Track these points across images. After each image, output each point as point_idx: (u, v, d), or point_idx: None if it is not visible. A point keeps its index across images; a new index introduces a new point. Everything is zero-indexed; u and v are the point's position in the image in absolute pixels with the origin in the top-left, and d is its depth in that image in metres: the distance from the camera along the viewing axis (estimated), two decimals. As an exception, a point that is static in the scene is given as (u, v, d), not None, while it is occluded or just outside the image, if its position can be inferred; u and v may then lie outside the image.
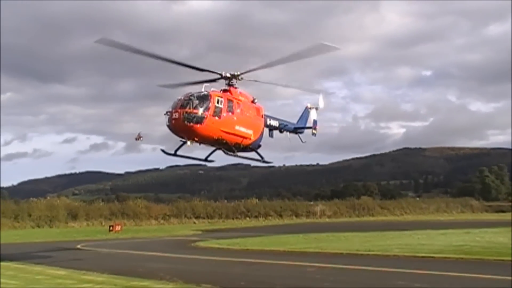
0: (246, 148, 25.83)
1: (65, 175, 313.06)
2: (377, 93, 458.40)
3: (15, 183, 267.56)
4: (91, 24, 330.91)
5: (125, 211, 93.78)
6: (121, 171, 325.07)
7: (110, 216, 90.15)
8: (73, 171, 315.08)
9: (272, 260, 28.95)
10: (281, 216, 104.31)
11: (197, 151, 25.99)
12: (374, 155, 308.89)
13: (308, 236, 48.78)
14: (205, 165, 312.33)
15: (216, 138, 23.44)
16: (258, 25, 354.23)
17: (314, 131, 31.99)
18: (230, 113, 23.70)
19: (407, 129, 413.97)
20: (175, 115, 22.19)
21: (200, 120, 22.22)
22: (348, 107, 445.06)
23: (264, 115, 27.31)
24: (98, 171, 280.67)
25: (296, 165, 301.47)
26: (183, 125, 22.19)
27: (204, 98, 22.69)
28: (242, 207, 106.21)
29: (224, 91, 24.69)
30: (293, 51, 23.37)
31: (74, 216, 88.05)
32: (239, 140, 24.64)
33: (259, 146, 26.59)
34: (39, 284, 20.49)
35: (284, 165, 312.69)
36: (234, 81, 25.14)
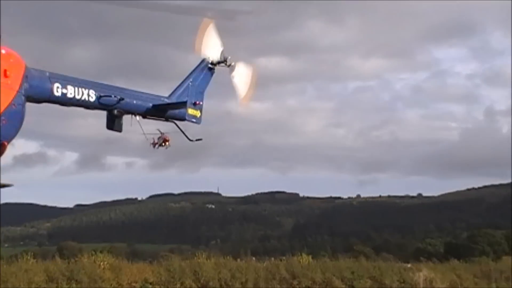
0: None
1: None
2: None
3: None
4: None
5: (75, 275, 76.13)
6: (70, 204, 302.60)
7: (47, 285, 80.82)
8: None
9: None
10: (352, 287, 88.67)
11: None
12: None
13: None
14: (219, 194, 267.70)
15: None
16: None
17: (191, 111, 25.22)
18: None
19: None
20: None
21: None
22: (477, 93, 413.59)
23: (34, 74, 20.49)
24: (28, 202, 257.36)
25: (379, 197, 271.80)
26: None
27: None
28: (284, 269, 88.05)
29: None
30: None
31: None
32: None
33: (2, 146, 19.88)
34: None
35: (358, 195, 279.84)
36: None
